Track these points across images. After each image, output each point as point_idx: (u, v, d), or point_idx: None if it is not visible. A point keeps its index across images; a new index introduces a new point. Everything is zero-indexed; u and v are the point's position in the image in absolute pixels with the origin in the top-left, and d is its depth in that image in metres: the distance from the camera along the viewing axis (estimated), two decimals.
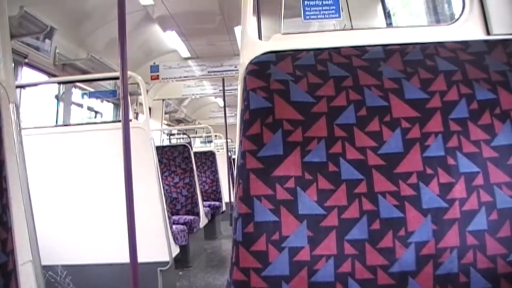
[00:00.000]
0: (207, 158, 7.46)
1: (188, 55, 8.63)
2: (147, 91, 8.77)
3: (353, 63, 1.16)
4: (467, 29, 1.27)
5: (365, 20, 4.74)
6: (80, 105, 6.57)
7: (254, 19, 1.31)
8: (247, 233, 1.03)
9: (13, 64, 4.65)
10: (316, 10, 1.44)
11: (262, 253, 1.02)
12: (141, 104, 7.86)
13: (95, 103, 7.27)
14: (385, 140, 1.07)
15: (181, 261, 4.95)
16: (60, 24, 5.32)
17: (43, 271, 1.47)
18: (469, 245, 1.01)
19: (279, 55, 1.19)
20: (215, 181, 7.43)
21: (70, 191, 3.59)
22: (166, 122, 11.16)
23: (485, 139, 1.06)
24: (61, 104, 5.97)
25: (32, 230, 1.43)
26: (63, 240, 3.56)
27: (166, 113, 10.89)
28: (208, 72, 8.71)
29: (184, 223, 4.89)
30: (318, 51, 1.20)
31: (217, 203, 7.18)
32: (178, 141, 11.43)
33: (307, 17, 1.44)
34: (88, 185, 3.59)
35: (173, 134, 11.83)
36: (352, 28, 4.31)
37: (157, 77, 8.51)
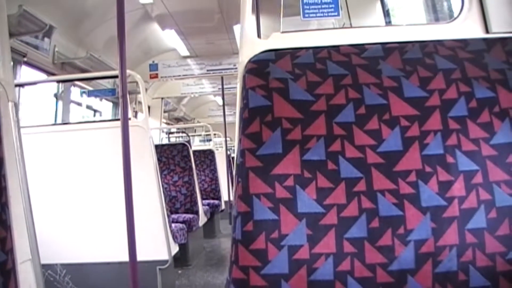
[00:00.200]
0: (206, 157, 7.47)
1: (187, 53, 8.64)
2: (146, 89, 8.77)
3: (352, 61, 1.16)
4: (466, 27, 1.27)
5: (364, 19, 4.75)
6: (79, 104, 6.57)
7: (253, 18, 1.30)
8: (246, 231, 1.03)
9: (12, 63, 4.66)
10: (315, 9, 1.44)
11: (262, 251, 1.02)
12: (140, 102, 7.86)
13: (94, 101, 7.27)
14: (384, 138, 1.07)
15: (180, 259, 4.95)
16: (59, 23, 5.31)
17: (42, 270, 1.47)
18: (468, 243, 1.01)
19: (278, 53, 1.19)
20: (214, 179, 7.43)
21: (69, 189, 3.59)
22: (165, 121, 11.16)
23: (484, 137, 1.06)
24: (60, 103, 5.96)
25: (32, 228, 1.43)
26: (62, 239, 3.56)
27: (165, 111, 10.89)
28: (207, 70, 8.71)
29: (183, 222, 4.90)
30: (317, 49, 1.20)
31: (216, 201, 7.18)
32: (177, 139, 11.44)
33: (306, 15, 1.44)
34: (87, 184, 3.59)
35: (172, 133, 11.83)
36: (351, 27, 4.31)
37: (156, 76, 8.51)
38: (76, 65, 5.99)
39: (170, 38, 7.86)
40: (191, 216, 5.21)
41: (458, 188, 1.03)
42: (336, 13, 1.46)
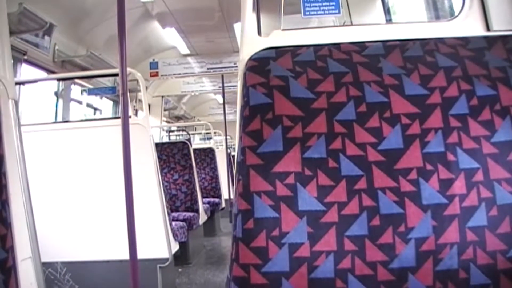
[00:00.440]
0: (207, 155, 7.47)
1: (187, 52, 8.62)
2: (147, 88, 8.76)
3: (353, 59, 1.16)
4: (467, 25, 1.27)
5: (365, 16, 4.74)
6: (80, 102, 6.56)
7: (253, 16, 1.30)
8: (247, 229, 1.03)
9: (12, 61, 4.66)
10: (316, 6, 1.44)
11: (262, 249, 1.02)
12: (140, 101, 7.85)
13: (94, 100, 7.27)
14: (385, 136, 1.07)
15: (181, 258, 4.95)
16: (60, 21, 5.31)
17: (43, 268, 1.47)
18: (469, 241, 1.01)
19: (279, 51, 1.19)
20: (215, 178, 7.43)
21: (69, 188, 3.59)
22: (165, 119, 11.15)
23: (485, 135, 1.06)
24: (60, 101, 5.96)
25: (32, 226, 1.43)
26: (63, 237, 3.56)
27: (165, 110, 10.88)
28: (208, 69, 8.70)
29: (183, 220, 4.90)
30: (317, 47, 1.20)
31: (216, 200, 7.18)
32: (178, 138, 11.43)
33: (307, 13, 1.44)
34: (88, 182, 3.59)
35: (173, 131, 11.83)
36: (351, 24, 4.31)
37: (156, 74, 8.51)
38: (76, 63, 5.98)
39: (170, 36, 7.85)
40: (191, 214, 5.21)
41: (459, 186, 1.03)
42: (336, 11, 1.46)
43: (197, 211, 5.54)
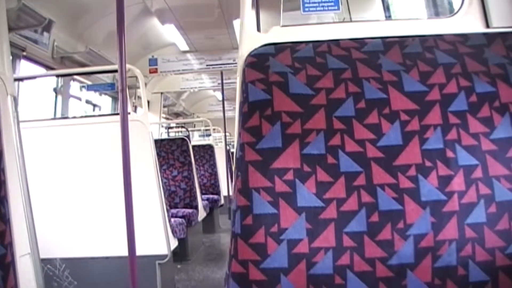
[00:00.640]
0: (206, 152, 7.47)
1: (186, 48, 8.61)
2: (146, 84, 8.76)
3: (352, 55, 1.16)
4: (466, 22, 1.27)
5: (364, 13, 4.74)
6: (79, 98, 6.56)
7: (253, 12, 1.30)
8: (245, 225, 1.03)
9: (11, 57, 4.66)
10: (315, 3, 1.44)
11: (261, 245, 1.02)
12: (139, 97, 7.84)
13: (93, 96, 7.26)
14: (384, 133, 1.07)
15: (180, 254, 4.96)
16: (58, 17, 5.30)
17: (42, 264, 1.47)
18: (467, 237, 1.01)
19: (278, 47, 1.19)
20: (214, 174, 7.44)
21: (68, 184, 3.59)
22: (164, 116, 11.14)
23: (484, 132, 1.06)
24: (59, 97, 5.95)
25: (31, 223, 1.43)
26: (62, 233, 3.56)
27: (164, 106, 10.87)
28: (207, 65, 8.69)
29: (182, 217, 4.90)
30: (317, 43, 1.20)
31: (215, 196, 7.19)
32: (177, 134, 11.43)
33: (306, 9, 1.44)
34: (87, 178, 3.59)
35: (172, 128, 11.82)
36: (351, 21, 4.31)
37: (155, 71, 8.49)
38: (75, 59, 5.98)
39: (169, 33, 7.83)
40: (190, 211, 5.21)
41: (458, 183, 1.03)
42: (336, 7, 1.46)
43: (196, 207, 5.54)
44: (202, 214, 5.70)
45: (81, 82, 6.38)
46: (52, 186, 3.58)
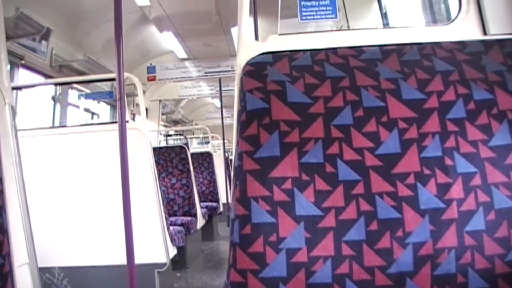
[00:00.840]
0: (204, 159, 7.47)
1: (184, 56, 8.63)
2: (144, 92, 8.76)
3: (350, 63, 1.16)
4: (464, 29, 1.27)
5: (362, 21, 4.75)
6: (77, 107, 6.56)
7: (250, 20, 1.30)
8: (244, 234, 1.03)
9: (9, 66, 4.66)
10: (312, 11, 1.44)
11: (260, 254, 1.01)
12: (138, 105, 7.84)
13: (92, 104, 7.26)
14: (382, 141, 1.06)
15: (179, 262, 4.94)
16: (57, 25, 5.31)
17: (40, 273, 1.46)
18: (467, 245, 1.01)
19: (276, 55, 1.19)
20: (212, 182, 7.43)
21: (67, 192, 3.59)
22: (163, 123, 11.15)
23: (483, 139, 1.06)
24: (58, 106, 5.95)
25: (29, 232, 1.42)
26: (61, 242, 3.56)
27: (163, 114, 10.88)
28: (205, 73, 8.71)
29: (181, 224, 4.89)
30: (314, 51, 1.20)
31: (214, 204, 7.18)
32: (175, 142, 11.43)
33: (304, 17, 1.44)
34: (85, 187, 3.59)
35: (170, 135, 11.82)
36: (348, 29, 4.32)
37: (153, 78, 8.51)
38: (73, 67, 5.99)
39: (167, 41, 7.85)
40: (189, 218, 5.21)
41: (456, 191, 1.03)
42: (333, 15, 1.46)
43: (195, 215, 5.53)
44: (201, 221, 5.69)
45: (79, 90, 6.38)
46: (51, 194, 3.57)
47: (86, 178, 3.59)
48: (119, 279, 3.31)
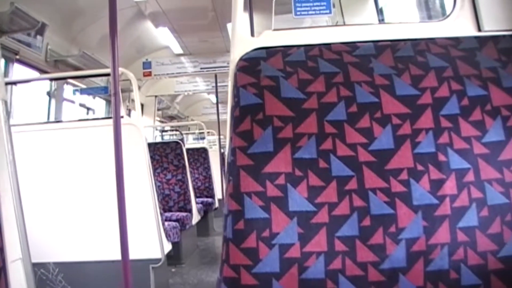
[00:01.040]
0: (200, 155, 7.46)
1: (180, 51, 8.61)
2: (140, 87, 8.75)
3: (344, 59, 1.16)
4: (458, 25, 1.27)
5: (357, 17, 4.75)
6: (72, 102, 6.54)
7: (245, 15, 1.30)
8: (237, 230, 1.03)
9: (3, 61, 4.65)
10: (307, 6, 1.44)
11: (253, 250, 1.01)
12: (133, 100, 7.83)
13: (87, 99, 7.25)
14: (376, 137, 1.06)
15: (174, 258, 4.94)
16: (52, 20, 5.29)
17: (35, 269, 1.46)
18: (459, 241, 1.01)
19: (270, 51, 1.19)
20: (208, 177, 7.43)
21: (61, 188, 3.58)
22: (158, 119, 11.14)
23: (476, 135, 1.06)
24: (53, 101, 5.94)
25: (22, 227, 1.42)
26: (55, 238, 3.55)
27: (158, 109, 10.87)
28: (201, 68, 8.70)
29: (176, 220, 4.89)
30: (309, 47, 1.20)
31: (209, 199, 7.18)
32: (171, 137, 11.41)
33: (298, 13, 1.44)
34: (80, 182, 3.58)
35: (166, 131, 11.81)
36: (343, 24, 4.32)
37: (149, 74, 8.49)
38: (69, 63, 5.96)
39: (163, 36, 7.84)
40: (184, 214, 5.20)
41: (449, 187, 1.03)
42: (328, 11, 1.46)
43: (190, 211, 5.53)
44: (196, 217, 5.69)
45: (74, 85, 6.36)
46: (45, 190, 3.56)
47: (81, 173, 3.58)
48: (114, 275, 3.30)
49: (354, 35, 1.27)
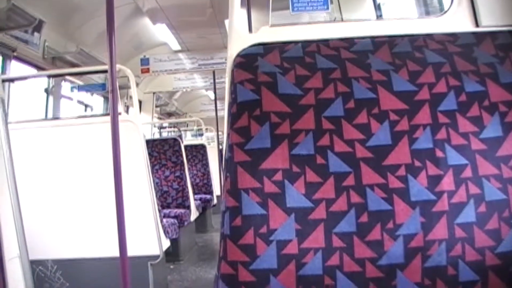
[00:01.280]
0: (198, 151, 7.47)
1: (178, 48, 8.60)
2: (138, 84, 8.73)
3: (341, 55, 1.15)
4: (456, 21, 1.27)
5: (355, 12, 4.75)
6: (70, 99, 6.53)
7: (242, 11, 1.29)
8: (234, 226, 1.03)
9: (1, 58, 4.64)
10: (304, 2, 1.43)
11: (250, 246, 1.01)
12: (131, 97, 7.83)
13: (85, 96, 7.24)
14: (373, 133, 1.06)
15: (172, 254, 4.95)
16: (49, 17, 5.28)
17: (33, 266, 1.46)
18: (457, 237, 1.01)
19: (267, 47, 1.19)
20: (206, 174, 7.44)
21: (59, 185, 3.58)
22: (157, 115, 11.13)
23: (474, 131, 1.06)
24: (51, 98, 5.93)
25: (20, 225, 1.42)
26: (53, 235, 3.55)
27: (157, 106, 10.86)
28: (199, 65, 8.68)
29: (174, 217, 4.90)
30: (306, 43, 1.20)
31: (208, 196, 7.19)
32: (169, 134, 11.41)
33: (295, 9, 1.43)
34: (78, 179, 3.58)
35: (164, 128, 11.80)
36: (341, 20, 4.31)
37: (147, 70, 8.47)
38: (66, 59, 5.96)
39: (161, 33, 7.82)
40: (182, 211, 5.21)
41: (447, 183, 1.03)
42: (325, 7, 1.45)
43: (188, 207, 5.54)
44: (194, 214, 5.69)
45: (72, 82, 6.35)
46: (43, 187, 3.56)
47: (79, 170, 3.58)
48: (112, 272, 3.30)
49: (352, 31, 1.27)
